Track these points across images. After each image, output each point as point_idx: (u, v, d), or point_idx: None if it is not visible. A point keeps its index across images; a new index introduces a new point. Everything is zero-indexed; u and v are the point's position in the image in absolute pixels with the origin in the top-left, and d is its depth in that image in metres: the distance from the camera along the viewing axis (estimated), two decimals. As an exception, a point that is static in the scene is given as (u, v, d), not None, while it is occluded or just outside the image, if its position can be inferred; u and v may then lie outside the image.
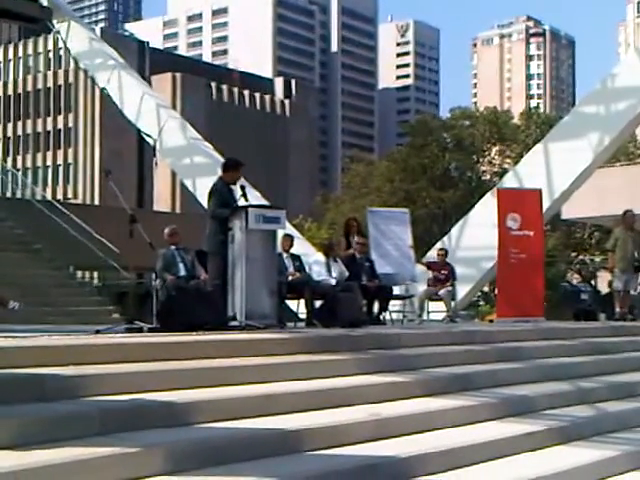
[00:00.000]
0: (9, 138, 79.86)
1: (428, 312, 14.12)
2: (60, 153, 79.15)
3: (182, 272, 10.39)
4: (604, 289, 22.27)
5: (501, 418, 6.43)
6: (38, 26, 31.25)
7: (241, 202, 9.01)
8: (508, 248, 13.84)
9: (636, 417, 7.22)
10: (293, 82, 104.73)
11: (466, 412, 6.32)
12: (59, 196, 70.58)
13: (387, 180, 53.64)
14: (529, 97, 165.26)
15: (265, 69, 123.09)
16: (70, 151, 78.68)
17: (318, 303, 10.62)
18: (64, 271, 21.27)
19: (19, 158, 78.59)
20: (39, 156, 79.93)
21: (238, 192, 9.13)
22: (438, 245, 17.91)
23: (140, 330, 7.87)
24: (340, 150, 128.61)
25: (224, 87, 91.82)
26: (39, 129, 79.71)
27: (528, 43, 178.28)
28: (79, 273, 25.08)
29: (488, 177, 55.61)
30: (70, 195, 75.55)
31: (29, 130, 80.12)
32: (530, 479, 5.28)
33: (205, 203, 9.66)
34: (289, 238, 11.22)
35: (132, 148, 66.10)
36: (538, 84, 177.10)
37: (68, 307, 17.30)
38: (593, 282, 51.83)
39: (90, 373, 5.38)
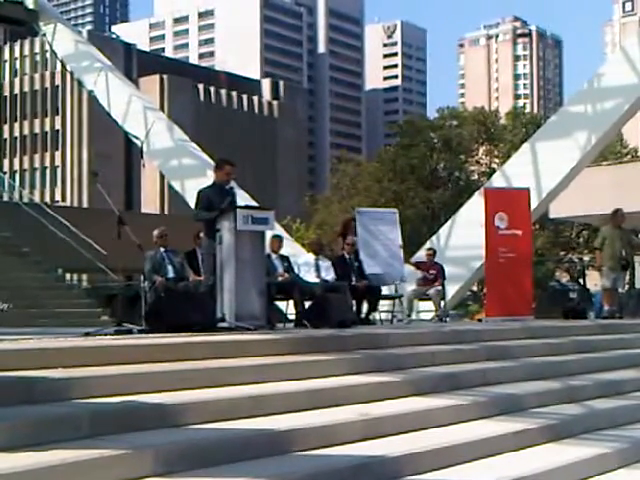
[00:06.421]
0: (-4, 141, 79.71)
1: (417, 312, 14.14)
2: (47, 156, 79.00)
3: (171, 274, 10.41)
4: (593, 287, 22.37)
5: (490, 417, 6.44)
6: (24, 29, 31.14)
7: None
8: (496, 247, 13.85)
9: (625, 414, 7.24)
10: (281, 83, 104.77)
11: (455, 411, 6.33)
12: (47, 199, 70.47)
13: (375, 180, 53.64)
14: (516, 97, 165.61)
15: (252, 71, 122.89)
16: (58, 154, 78.54)
17: (307, 304, 10.63)
18: (52, 274, 21.17)
19: (6, 161, 78.33)
20: (26, 159, 79.72)
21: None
22: (427, 245, 17.94)
23: (129, 332, 7.86)
24: (328, 151, 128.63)
25: (211, 89, 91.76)
26: (26, 132, 79.51)
27: (515, 43, 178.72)
28: (67, 275, 24.99)
29: (476, 177, 55.73)
30: (58, 198, 75.39)
31: (16, 133, 79.94)
32: (520, 477, 5.28)
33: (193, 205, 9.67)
34: (278, 239, 11.23)
35: (120, 150, 66.12)
36: (525, 84, 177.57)
37: (57, 309, 17.22)
38: (582, 281, 52.07)
39: (79, 375, 5.37)
